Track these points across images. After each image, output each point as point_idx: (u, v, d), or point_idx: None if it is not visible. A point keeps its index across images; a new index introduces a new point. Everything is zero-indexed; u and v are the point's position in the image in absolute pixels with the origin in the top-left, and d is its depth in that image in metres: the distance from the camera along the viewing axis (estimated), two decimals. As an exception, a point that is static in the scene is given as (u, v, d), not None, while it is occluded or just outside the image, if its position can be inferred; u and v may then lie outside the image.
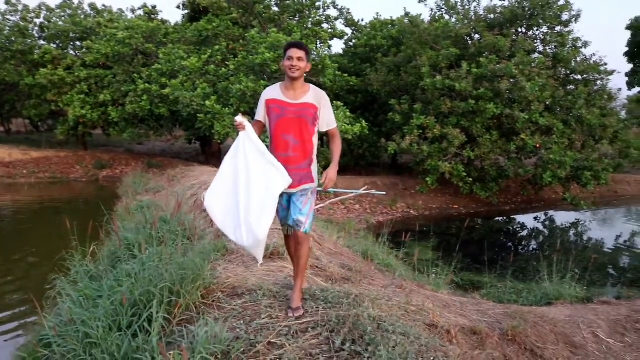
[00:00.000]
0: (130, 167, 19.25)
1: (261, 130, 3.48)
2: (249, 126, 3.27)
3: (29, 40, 20.70)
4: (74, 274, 4.43)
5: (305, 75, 3.45)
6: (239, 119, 3.24)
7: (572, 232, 13.89)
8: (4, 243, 9.72)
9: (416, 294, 4.46)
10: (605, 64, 15.82)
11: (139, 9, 22.04)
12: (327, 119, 3.49)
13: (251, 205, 3.13)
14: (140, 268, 3.70)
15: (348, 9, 19.80)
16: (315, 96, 3.42)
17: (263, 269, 4.25)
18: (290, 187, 3.30)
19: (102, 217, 7.18)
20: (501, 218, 14.94)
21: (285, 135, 3.33)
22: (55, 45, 20.76)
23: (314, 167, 3.47)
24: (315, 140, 3.47)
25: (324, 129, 3.51)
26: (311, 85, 3.49)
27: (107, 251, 5.37)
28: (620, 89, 17.41)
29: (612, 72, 15.95)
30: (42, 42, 21.38)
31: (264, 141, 3.30)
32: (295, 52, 3.30)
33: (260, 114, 3.48)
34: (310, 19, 16.91)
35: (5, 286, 7.08)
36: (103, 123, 19.28)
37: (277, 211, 3.34)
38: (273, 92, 3.45)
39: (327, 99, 3.49)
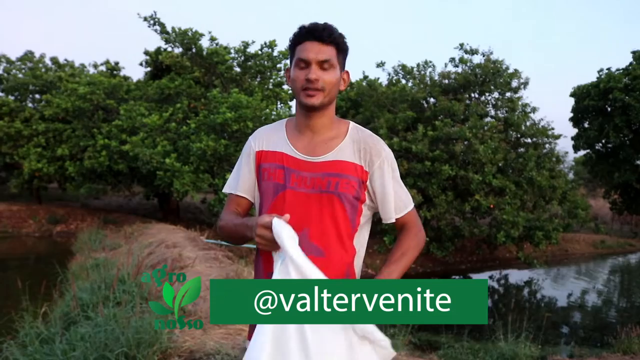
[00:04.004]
0: (86, 222, 18.80)
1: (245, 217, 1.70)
2: (291, 247, 1.40)
3: (-14, 92, 20.47)
4: (22, 337, 4.28)
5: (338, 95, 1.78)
6: (266, 221, 1.44)
7: (526, 291, 14.21)
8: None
9: (373, 356, 4.50)
10: (553, 129, 16.59)
11: (102, 64, 22.04)
12: (395, 195, 1.65)
13: None
14: (95, 331, 3.65)
15: (308, 71, 20.32)
16: (359, 146, 1.64)
17: (221, 332, 4.23)
18: None
19: (55, 275, 7.02)
20: (457, 277, 15.16)
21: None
22: (13, 98, 20.50)
23: None
24: (360, 243, 1.67)
25: (390, 218, 1.66)
26: (351, 124, 1.71)
27: (59, 312, 5.23)
28: (567, 152, 18.23)
29: (559, 136, 16.71)
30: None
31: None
32: (315, 50, 1.55)
33: (245, 181, 1.71)
34: (272, 80, 17.27)
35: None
36: (59, 177, 18.92)
37: None
38: (272, 137, 1.70)
39: (388, 153, 1.68)
